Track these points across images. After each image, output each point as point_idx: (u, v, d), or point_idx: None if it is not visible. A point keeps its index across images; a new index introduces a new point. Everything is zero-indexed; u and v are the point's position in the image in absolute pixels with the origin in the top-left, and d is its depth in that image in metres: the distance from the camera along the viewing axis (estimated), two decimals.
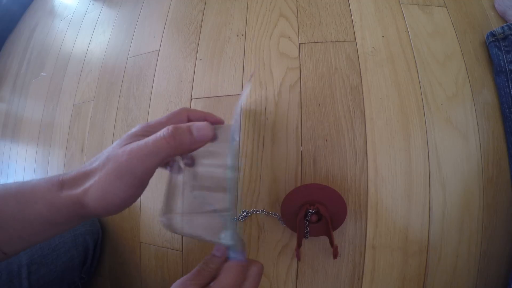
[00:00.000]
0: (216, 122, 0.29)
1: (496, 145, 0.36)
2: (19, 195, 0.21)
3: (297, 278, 0.37)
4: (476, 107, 0.37)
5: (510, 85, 0.36)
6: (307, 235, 0.33)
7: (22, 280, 0.35)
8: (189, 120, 0.26)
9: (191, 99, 0.45)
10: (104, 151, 0.22)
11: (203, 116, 0.28)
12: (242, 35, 0.46)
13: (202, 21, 0.49)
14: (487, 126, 0.37)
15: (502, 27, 0.38)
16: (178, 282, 0.23)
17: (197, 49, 0.48)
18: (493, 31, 0.39)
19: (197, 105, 0.44)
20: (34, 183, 0.22)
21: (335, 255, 0.32)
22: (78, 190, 0.20)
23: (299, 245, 0.34)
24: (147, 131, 0.23)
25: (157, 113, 0.47)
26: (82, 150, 0.55)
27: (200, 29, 0.49)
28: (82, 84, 0.61)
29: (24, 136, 0.70)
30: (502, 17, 0.42)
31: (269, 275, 0.37)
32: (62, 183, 0.21)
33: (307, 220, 0.32)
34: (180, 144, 0.21)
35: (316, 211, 0.32)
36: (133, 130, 0.23)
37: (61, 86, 0.66)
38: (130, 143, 0.21)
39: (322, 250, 0.36)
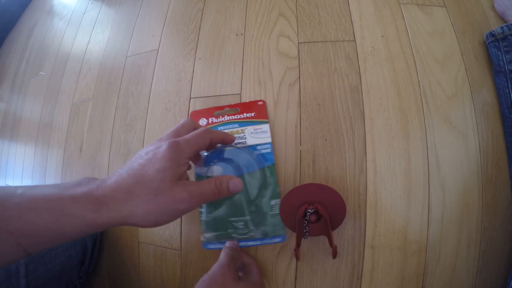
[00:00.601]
0: (231, 140, 0.34)
1: (495, 145, 0.36)
2: (52, 209, 0.22)
3: (296, 278, 0.37)
4: (475, 107, 0.37)
5: (509, 85, 0.36)
6: (306, 235, 0.32)
7: (20, 279, 0.35)
8: (211, 142, 0.30)
9: (190, 98, 0.45)
10: (141, 169, 0.24)
11: (222, 138, 0.32)
12: (241, 34, 0.46)
13: (201, 20, 0.49)
14: (486, 126, 0.37)
15: (502, 27, 0.38)
16: (218, 266, 0.31)
17: (196, 48, 0.48)
18: (493, 31, 0.39)
19: (196, 104, 0.44)
20: (68, 197, 0.22)
21: (334, 255, 0.32)
22: (124, 212, 0.23)
23: (298, 245, 0.33)
24: (182, 156, 0.26)
25: (156, 112, 0.47)
26: (80, 150, 0.55)
27: (199, 28, 0.49)
28: (81, 83, 0.61)
29: (22, 135, 0.70)
30: (501, 17, 0.42)
31: (268, 275, 0.37)
32: (100, 202, 0.22)
33: (306, 220, 0.32)
34: (220, 195, 0.28)
35: (315, 211, 0.32)
36: (165, 151, 0.25)
37: (59, 85, 0.66)
38: (174, 172, 0.25)
39: (321, 250, 0.36)
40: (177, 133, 0.29)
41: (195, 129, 0.30)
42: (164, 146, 0.25)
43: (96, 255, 0.46)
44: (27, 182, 0.65)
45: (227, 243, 0.36)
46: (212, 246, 0.38)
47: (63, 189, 0.23)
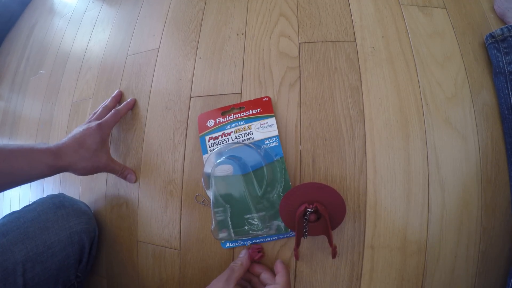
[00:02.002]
0: (131, 105, 0.49)
1: (494, 146, 0.37)
2: (28, 156, 0.34)
3: (295, 278, 0.36)
4: (475, 108, 0.37)
5: (509, 86, 0.36)
6: (305, 235, 0.32)
7: (17, 278, 0.34)
8: (121, 116, 0.46)
9: (190, 97, 0.45)
10: (80, 138, 0.40)
11: (127, 109, 0.48)
12: (242, 34, 0.46)
13: (202, 20, 0.49)
14: (486, 127, 0.37)
15: (501, 29, 0.38)
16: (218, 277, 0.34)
17: (197, 47, 0.48)
18: (492, 32, 0.39)
19: (196, 104, 0.44)
20: (37, 150, 0.35)
21: (334, 255, 0.32)
22: (69, 162, 0.38)
23: (297, 244, 0.33)
24: (105, 133, 0.43)
25: (156, 111, 0.47)
26: None
27: (200, 28, 0.49)
28: (81, 81, 0.61)
29: (22, 133, 0.70)
30: (501, 19, 0.42)
31: None
32: (57, 154, 0.37)
33: (305, 219, 0.32)
34: (121, 177, 0.45)
35: (314, 210, 0.31)
36: (95, 129, 0.41)
37: (60, 83, 0.66)
38: (102, 143, 0.42)
39: (321, 250, 0.36)
40: (99, 116, 0.45)
41: (113, 107, 0.47)
42: (93, 125, 0.41)
43: (94, 254, 0.46)
44: None
45: (241, 254, 0.37)
46: (230, 245, 0.39)
47: (33, 146, 0.35)
